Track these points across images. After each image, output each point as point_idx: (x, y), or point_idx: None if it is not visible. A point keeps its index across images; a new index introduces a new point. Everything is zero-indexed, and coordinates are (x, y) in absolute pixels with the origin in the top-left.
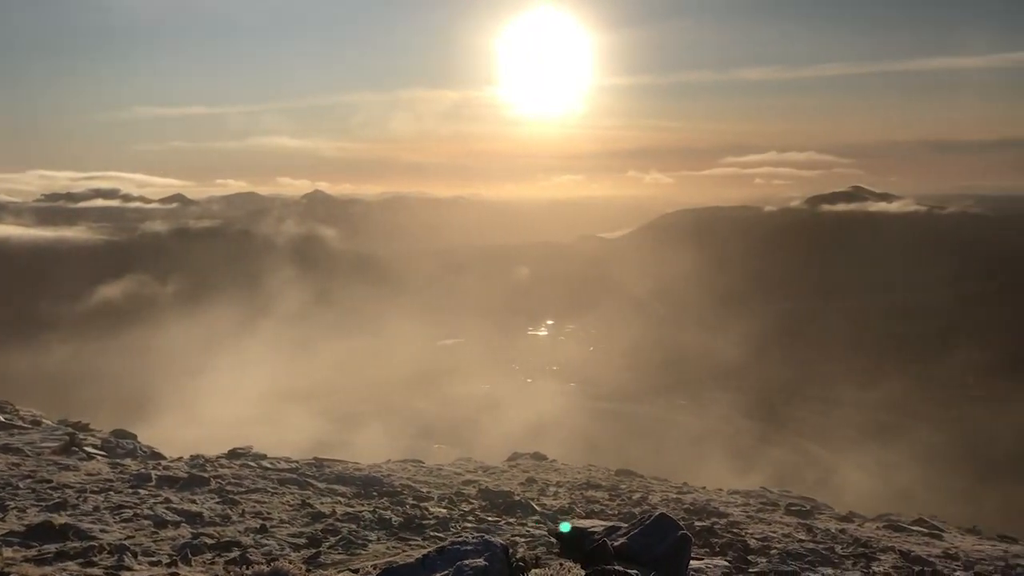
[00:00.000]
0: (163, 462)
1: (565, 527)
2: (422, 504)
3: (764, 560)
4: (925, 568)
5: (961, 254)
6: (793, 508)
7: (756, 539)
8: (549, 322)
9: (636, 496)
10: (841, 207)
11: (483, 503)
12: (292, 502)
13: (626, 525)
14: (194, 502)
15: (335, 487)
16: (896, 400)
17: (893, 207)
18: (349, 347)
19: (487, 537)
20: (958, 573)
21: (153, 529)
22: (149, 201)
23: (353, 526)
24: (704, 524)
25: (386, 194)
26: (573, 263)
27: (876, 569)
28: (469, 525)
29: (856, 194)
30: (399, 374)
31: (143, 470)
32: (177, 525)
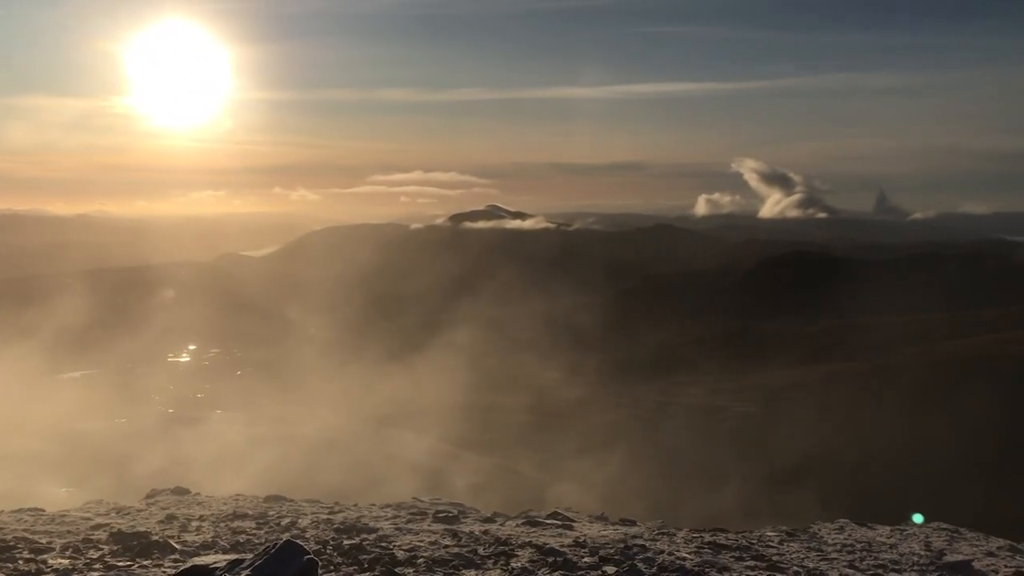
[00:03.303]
0: None
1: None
2: (39, 557)
3: (411, 570)
4: (557, 559)
5: (586, 265)
6: (441, 515)
7: (404, 550)
8: (191, 347)
9: (285, 521)
10: (481, 224)
11: (115, 547)
12: None
13: (251, 556)
14: None
15: None
16: (541, 402)
17: (527, 224)
18: None
19: None
20: (585, 559)
21: None
22: None
23: None
24: (353, 542)
25: None
26: (215, 283)
27: (515, 565)
28: (95, 574)
29: (493, 212)
30: (11, 415)
31: None
32: None
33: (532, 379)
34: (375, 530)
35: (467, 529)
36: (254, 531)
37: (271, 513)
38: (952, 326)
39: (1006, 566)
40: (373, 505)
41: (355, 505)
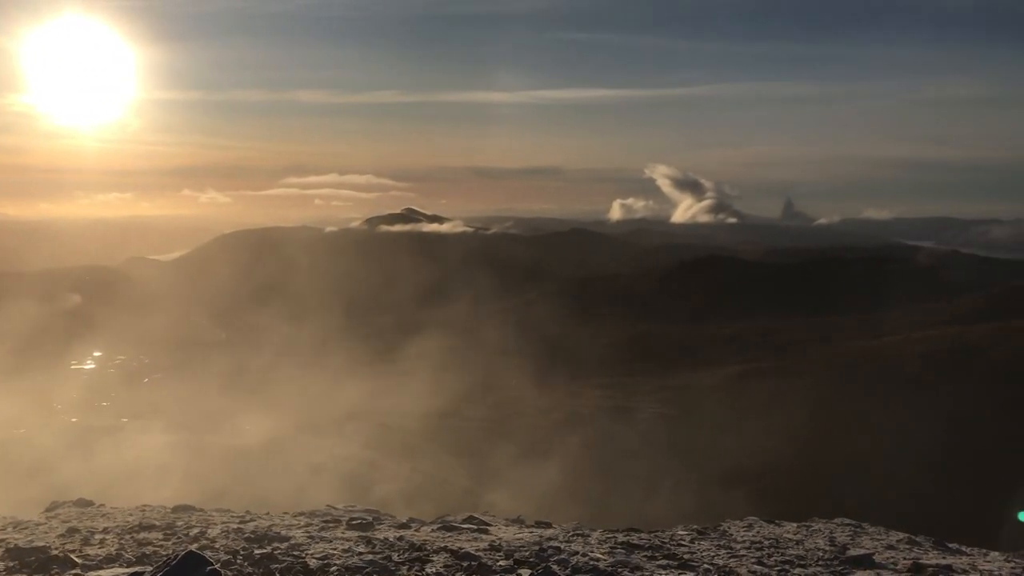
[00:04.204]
0: None
1: None
2: None
3: None
4: (472, 563)
5: (503, 269)
6: (355, 522)
7: (316, 559)
8: (96, 353)
9: (194, 531)
10: (398, 228)
11: (11, 564)
12: None
13: (151, 569)
14: None
15: None
16: (460, 408)
17: (444, 228)
18: None
19: None
20: (500, 562)
21: None
22: None
23: None
24: (264, 551)
25: None
26: (122, 288)
27: (429, 571)
28: None
29: (410, 216)
30: None
31: None
32: None
33: (448, 385)
34: (287, 539)
35: (381, 536)
36: (161, 543)
37: (179, 524)
38: (857, 327)
39: (904, 558)
40: (286, 514)
41: (267, 514)
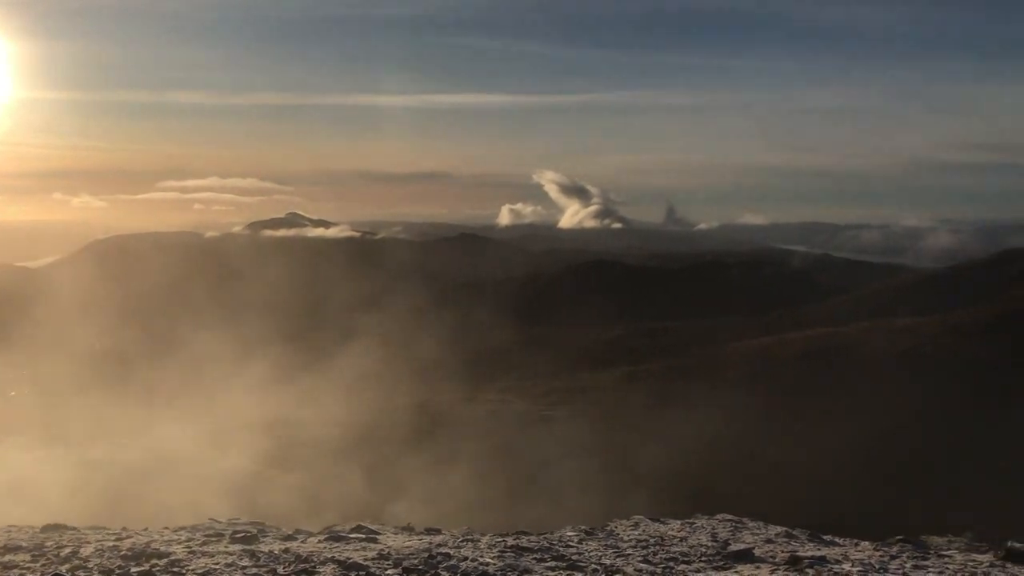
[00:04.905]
0: None
1: None
2: None
3: None
4: (360, 573)
5: (392, 274)
6: (239, 535)
7: (197, 574)
8: None
9: (66, 552)
10: (281, 232)
11: None
12: None
13: None
14: None
15: None
16: (352, 415)
17: (330, 233)
18: None
19: None
20: (389, 571)
21: None
22: None
23: None
24: (142, 568)
25: None
26: None
27: None
28: None
29: (294, 220)
30: None
31: None
32: None
33: (339, 391)
34: (167, 555)
35: (266, 548)
36: (29, 564)
37: (49, 544)
38: (736, 329)
39: (782, 551)
40: (166, 529)
41: (145, 530)
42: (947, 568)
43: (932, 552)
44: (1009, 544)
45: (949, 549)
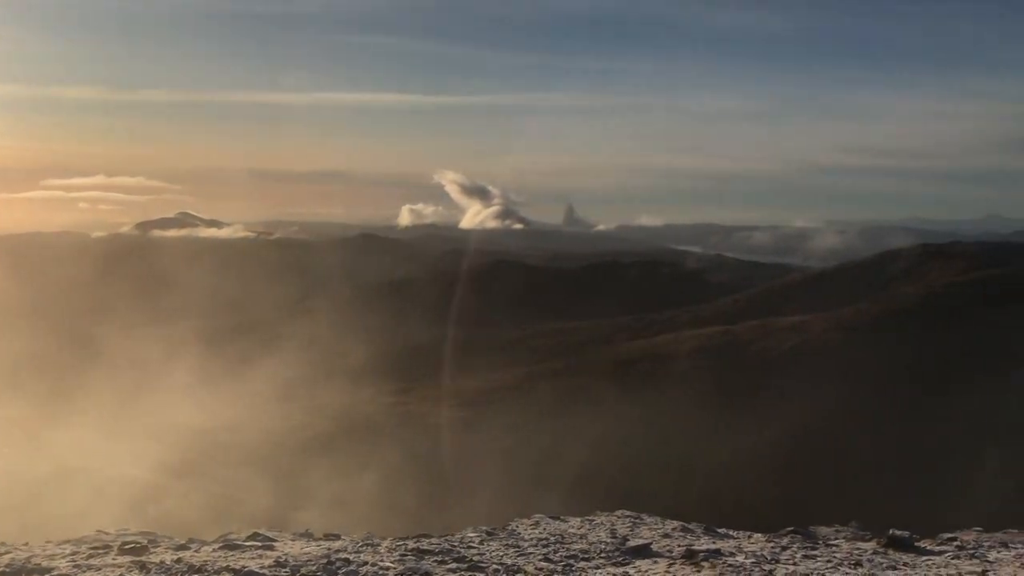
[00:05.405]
0: None
1: None
2: None
3: None
4: None
5: (289, 275)
6: (128, 547)
7: None
8: None
9: None
10: (172, 233)
11: None
12: None
13: None
14: None
15: None
16: (255, 420)
17: (223, 233)
18: None
19: None
20: None
21: None
22: None
23: None
24: None
25: None
26: None
27: None
28: None
29: (185, 220)
30: None
31: None
32: None
33: (237, 396)
34: (49, 570)
35: (157, 559)
36: None
37: None
38: (633, 328)
39: (679, 545)
40: (49, 542)
41: (26, 544)
42: (834, 557)
43: (820, 542)
44: (891, 532)
45: (836, 539)
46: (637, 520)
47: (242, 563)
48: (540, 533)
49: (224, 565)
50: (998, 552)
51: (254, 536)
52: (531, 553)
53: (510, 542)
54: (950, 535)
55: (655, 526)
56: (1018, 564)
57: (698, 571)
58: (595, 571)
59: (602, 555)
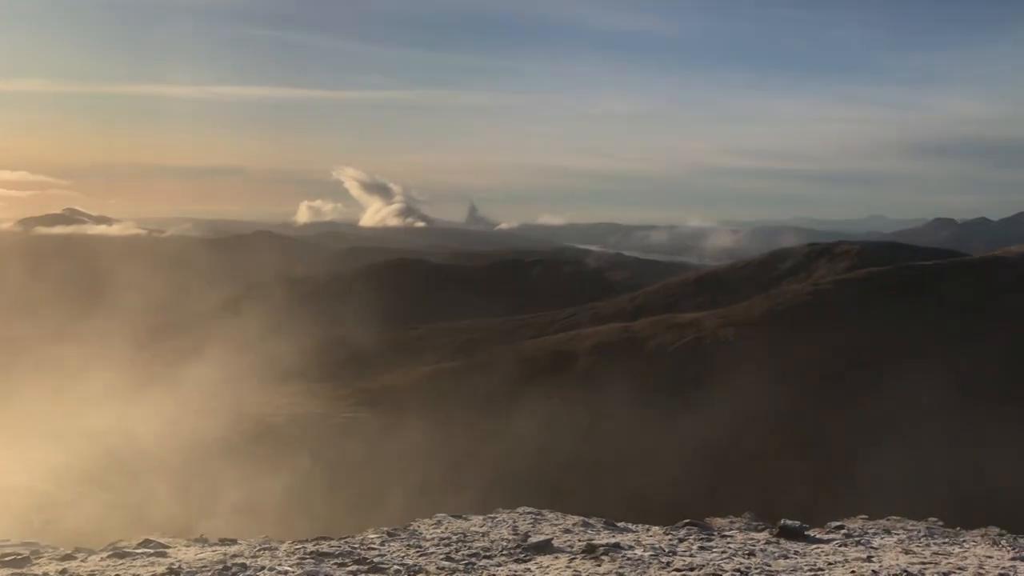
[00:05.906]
0: None
1: None
2: None
3: None
4: None
5: (182, 274)
6: (7, 559)
7: None
8: None
9: None
10: (59, 230)
11: None
12: None
13: None
14: None
15: None
16: (144, 422)
17: (113, 230)
18: None
19: None
20: None
21: None
22: None
23: None
24: None
25: None
26: None
27: None
28: None
29: (72, 216)
30: None
31: None
32: None
33: (128, 398)
34: None
35: (40, 571)
36: None
37: None
38: (535, 325)
39: (579, 540)
40: None
41: None
42: (729, 547)
43: (716, 533)
44: (782, 522)
45: (731, 530)
46: (538, 516)
47: (132, 572)
48: (442, 532)
49: (113, 575)
50: (882, 538)
51: (145, 543)
52: (433, 553)
53: (412, 542)
54: (838, 523)
55: (556, 522)
56: (899, 549)
57: (598, 565)
58: (497, 568)
59: (504, 552)
